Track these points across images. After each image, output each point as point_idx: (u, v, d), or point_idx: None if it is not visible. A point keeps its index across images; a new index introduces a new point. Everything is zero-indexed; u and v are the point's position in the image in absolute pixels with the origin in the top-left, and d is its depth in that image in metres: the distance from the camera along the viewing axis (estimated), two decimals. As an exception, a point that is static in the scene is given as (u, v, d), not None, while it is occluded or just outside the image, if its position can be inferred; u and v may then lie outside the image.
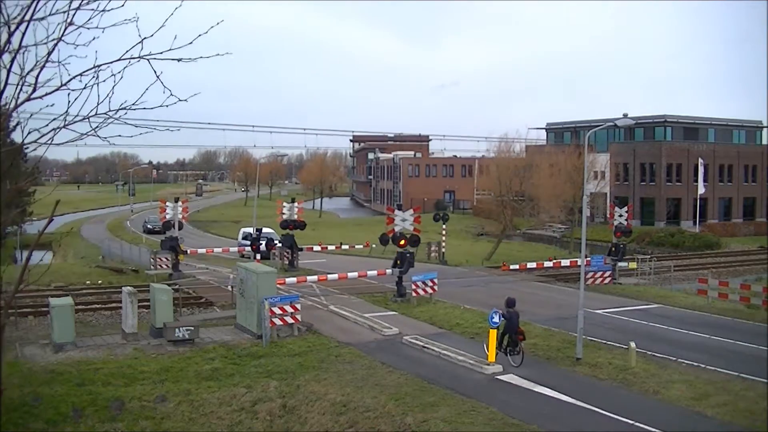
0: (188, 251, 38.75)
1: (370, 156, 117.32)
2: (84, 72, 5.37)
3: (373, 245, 41.30)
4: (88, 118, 5.45)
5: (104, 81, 5.39)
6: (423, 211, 36.36)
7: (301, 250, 39.30)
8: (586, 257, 21.71)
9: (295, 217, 38.72)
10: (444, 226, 43.87)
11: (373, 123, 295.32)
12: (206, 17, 5.91)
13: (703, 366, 17.53)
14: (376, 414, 14.82)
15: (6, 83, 5.15)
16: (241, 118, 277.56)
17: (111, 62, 5.42)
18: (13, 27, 5.08)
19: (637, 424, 13.67)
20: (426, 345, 19.88)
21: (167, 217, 36.32)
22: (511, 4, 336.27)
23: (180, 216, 36.43)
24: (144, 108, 5.63)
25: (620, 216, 34.07)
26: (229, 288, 28.60)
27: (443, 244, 43.08)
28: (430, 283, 26.72)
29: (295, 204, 39.65)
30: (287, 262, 37.91)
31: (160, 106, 5.64)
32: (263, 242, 37.02)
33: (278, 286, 24.45)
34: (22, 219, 44.86)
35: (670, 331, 22.21)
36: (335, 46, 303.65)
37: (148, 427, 15.25)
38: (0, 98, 5.21)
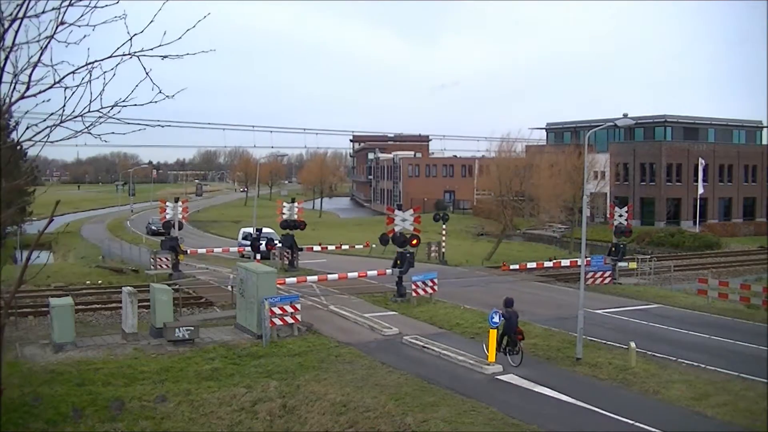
0: (188, 251, 38.76)
1: (370, 156, 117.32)
2: (76, 69, 5.37)
3: (373, 245, 41.30)
4: (82, 116, 5.47)
5: (97, 78, 5.42)
6: (423, 211, 36.38)
7: (301, 250, 39.30)
8: (586, 257, 21.71)
9: (295, 217, 38.72)
10: (444, 226, 43.88)
11: (373, 123, 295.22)
12: (200, 16, 5.91)
13: (703, 366, 17.53)
14: (376, 414, 14.82)
15: (0, 81, 5.17)
16: (241, 117, 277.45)
17: (102, 59, 5.44)
18: (6, 24, 5.09)
19: (637, 424, 13.67)
20: (426, 345, 19.88)
21: (167, 217, 36.35)
22: (511, 4, 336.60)
23: (180, 216, 36.46)
24: (135, 105, 5.66)
25: (620, 216, 34.07)
26: (229, 288, 28.61)
27: (443, 244, 43.09)
28: (430, 283, 26.72)
29: (295, 204, 39.65)
30: (287, 262, 37.91)
31: (150, 102, 5.68)
32: (263, 242, 37.03)
33: (278, 286, 24.45)
34: (21, 219, 44.88)
35: (670, 331, 22.21)
36: (335, 46, 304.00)
37: (148, 427, 15.24)
38: None
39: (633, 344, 17.77)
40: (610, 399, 15.26)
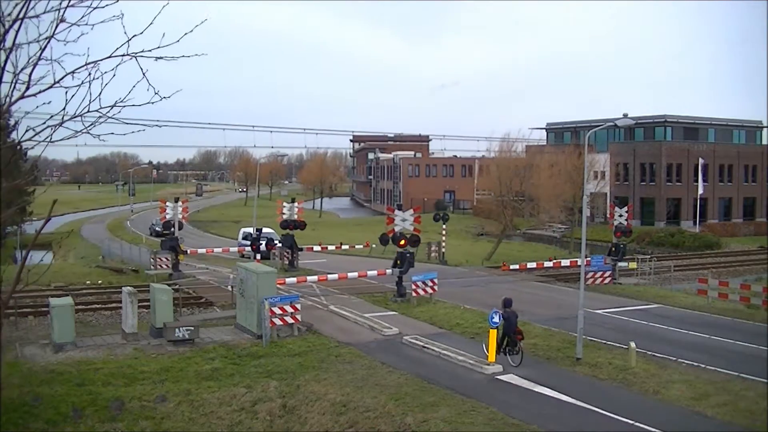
0: (188, 251, 38.77)
1: (370, 156, 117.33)
2: (76, 69, 5.38)
3: (373, 245, 41.30)
4: (81, 116, 5.46)
5: (96, 79, 5.42)
6: (423, 211, 36.37)
7: (301, 250, 39.30)
8: (586, 257, 21.71)
9: (295, 217, 38.71)
10: (444, 226, 43.88)
11: (374, 123, 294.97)
12: (200, 17, 5.92)
13: (703, 366, 17.52)
14: (376, 414, 14.82)
15: (0, 81, 5.16)
16: (241, 117, 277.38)
17: (102, 60, 5.46)
18: (7, 25, 5.08)
19: (637, 424, 13.67)
20: (426, 345, 19.88)
21: (167, 217, 36.36)
22: (511, 4, 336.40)
23: (180, 216, 36.47)
24: (133, 105, 5.67)
25: (620, 216, 34.07)
26: (229, 288, 28.61)
27: (443, 244, 43.09)
28: (430, 283, 26.71)
29: (295, 204, 39.65)
30: (287, 262, 37.90)
31: (147, 103, 5.71)
32: (263, 242, 37.02)
33: (278, 286, 24.45)
34: (21, 219, 44.90)
35: (670, 331, 22.20)
36: (335, 45, 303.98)
37: (148, 427, 15.25)
38: None
39: (633, 344, 17.76)
40: (610, 399, 15.26)
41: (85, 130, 5.55)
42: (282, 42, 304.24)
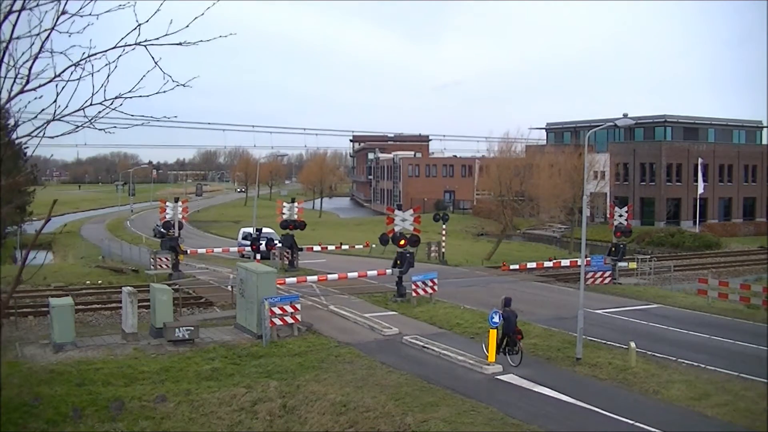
0: (188, 251, 38.77)
1: (370, 156, 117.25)
2: (78, 61, 5.20)
3: (373, 245, 41.29)
4: (83, 109, 5.32)
5: (99, 71, 5.25)
6: (423, 211, 36.37)
7: (301, 250, 39.30)
8: (586, 257, 21.71)
9: (295, 217, 38.71)
10: (444, 226, 43.88)
11: (374, 123, 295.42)
12: (205, 5, 5.79)
13: (703, 366, 17.52)
14: (376, 414, 14.82)
15: None
16: (241, 117, 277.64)
17: (106, 50, 5.26)
18: (2, 16, 4.96)
19: (637, 424, 13.66)
20: (426, 345, 19.87)
21: (167, 217, 36.36)
22: (512, 4, 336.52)
23: (180, 216, 36.46)
24: (140, 96, 5.48)
25: (620, 216, 34.07)
26: (229, 288, 28.60)
27: (443, 244, 43.09)
28: (430, 283, 26.70)
29: (295, 204, 39.64)
30: (287, 262, 37.89)
31: (157, 92, 5.46)
32: (263, 242, 37.01)
33: (278, 286, 24.44)
34: (21, 219, 44.90)
35: (670, 331, 22.20)
36: (336, 45, 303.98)
37: (148, 427, 15.24)
38: None
39: (633, 344, 17.76)
40: (610, 399, 15.26)
41: (87, 124, 5.42)
42: (282, 42, 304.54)
